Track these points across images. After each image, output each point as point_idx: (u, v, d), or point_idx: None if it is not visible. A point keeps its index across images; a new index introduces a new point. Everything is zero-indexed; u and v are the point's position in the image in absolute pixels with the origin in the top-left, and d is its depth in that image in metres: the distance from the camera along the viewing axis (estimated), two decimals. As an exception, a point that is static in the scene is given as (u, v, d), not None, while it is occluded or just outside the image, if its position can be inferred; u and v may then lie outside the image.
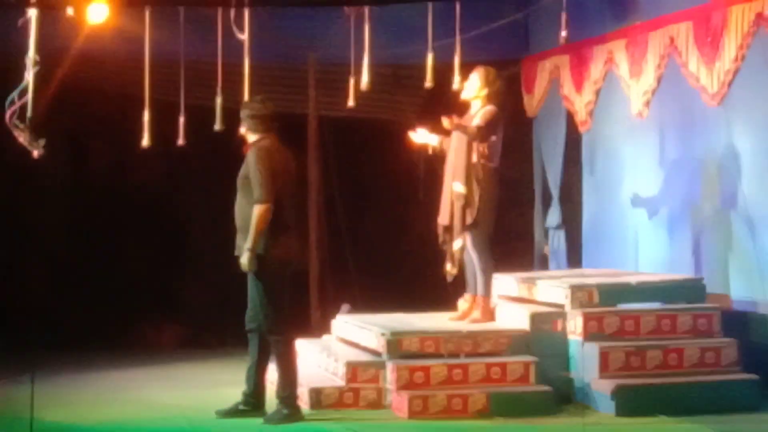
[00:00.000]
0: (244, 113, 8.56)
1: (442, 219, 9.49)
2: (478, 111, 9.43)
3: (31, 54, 7.95)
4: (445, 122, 9.18)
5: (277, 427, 8.17)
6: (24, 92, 7.96)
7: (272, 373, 8.72)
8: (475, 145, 9.27)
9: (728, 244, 9.50)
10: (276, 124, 8.54)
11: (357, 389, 8.78)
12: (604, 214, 11.41)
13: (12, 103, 7.91)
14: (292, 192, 8.55)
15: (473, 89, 9.49)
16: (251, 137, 8.50)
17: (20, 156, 8.14)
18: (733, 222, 9.45)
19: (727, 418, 8.23)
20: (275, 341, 8.39)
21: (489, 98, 9.45)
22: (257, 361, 8.53)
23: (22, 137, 8.00)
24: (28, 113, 7.98)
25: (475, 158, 9.29)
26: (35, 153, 8.02)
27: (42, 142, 7.99)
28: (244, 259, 8.26)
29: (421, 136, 9.66)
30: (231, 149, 9.31)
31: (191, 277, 12.83)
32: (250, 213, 8.28)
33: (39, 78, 8.01)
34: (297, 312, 12.26)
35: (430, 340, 8.93)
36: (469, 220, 9.29)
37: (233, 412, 8.48)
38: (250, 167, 8.35)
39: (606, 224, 11.37)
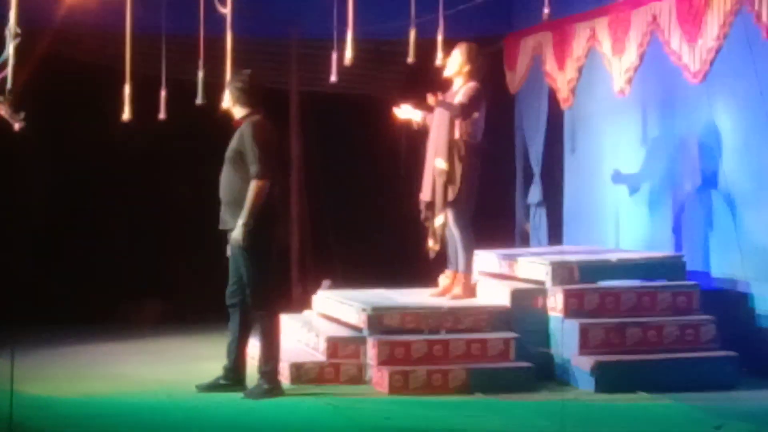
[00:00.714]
0: (232, 85, 8.54)
1: (424, 195, 9.50)
2: (461, 87, 9.43)
3: (12, 26, 7.86)
4: (430, 99, 9.18)
5: (258, 402, 8.18)
6: (4, 65, 7.88)
7: (253, 349, 8.73)
8: (457, 121, 9.27)
9: (708, 222, 9.54)
10: (263, 99, 8.54)
11: (338, 365, 8.80)
12: (586, 192, 11.43)
13: (-8, 75, 7.84)
14: (281, 169, 8.56)
15: (455, 65, 9.48)
16: (239, 111, 8.48)
17: (1, 129, 8.08)
18: (713, 200, 9.49)
19: (706, 395, 8.28)
20: (261, 316, 8.39)
21: (471, 75, 9.45)
22: (238, 336, 8.54)
23: (2, 110, 7.93)
24: (8, 86, 7.91)
25: (457, 135, 9.30)
26: (16, 126, 7.95)
27: (22, 114, 7.92)
28: (237, 234, 8.24)
29: (405, 112, 9.66)
30: (212, 123, 9.28)
31: (172, 252, 12.80)
32: (240, 187, 8.28)
33: (19, 50, 7.93)
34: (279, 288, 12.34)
35: (411, 315, 8.95)
36: (450, 196, 9.30)
37: (214, 387, 8.49)
38: (246, 142, 8.33)
39: (587, 201, 11.39)
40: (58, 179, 12.56)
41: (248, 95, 8.50)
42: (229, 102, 8.59)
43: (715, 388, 8.42)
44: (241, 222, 8.23)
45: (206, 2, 9.12)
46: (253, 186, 8.24)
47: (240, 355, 8.56)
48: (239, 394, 8.34)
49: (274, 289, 8.50)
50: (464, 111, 9.24)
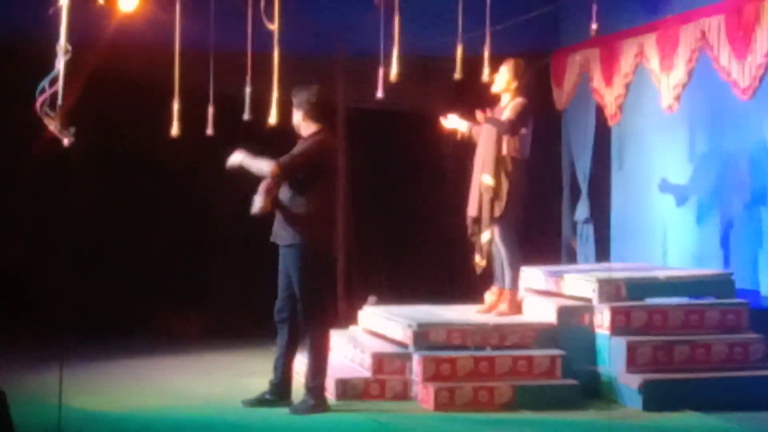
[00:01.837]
0: (300, 98, 8.55)
1: (471, 211, 9.49)
2: (508, 103, 9.42)
3: (62, 42, 7.94)
4: (479, 116, 9.19)
5: (303, 417, 8.19)
6: (54, 80, 7.94)
7: (299, 364, 8.73)
8: (505, 137, 9.26)
9: (757, 240, 9.45)
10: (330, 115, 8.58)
11: (383, 380, 8.79)
12: (633, 208, 11.37)
13: (43, 91, 7.90)
14: (336, 185, 8.60)
15: (503, 82, 9.48)
16: (307, 127, 8.50)
17: (50, 144, 8.15)
18: (762, 217, 9.41)
19: (755, 414, 8.21)
20: (312, 331, 8.39)
21: (518, 91, 9.45)
22: (285, 351, 8.55)
23: (52, 125, 7.99)
24: (59, 101, 7.98)
25: (504, 151, 9.29)
26: (65, 141, 8.01)
27: (72, 130, 7.99)
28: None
29: (451, 122, 9.68)
30: (260, 139, 9.32)
31: (218, 266, 12.85)
32: (295, 202, 8.30)
33: (70, 66, 8.00)
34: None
35: (457, 332, 8.93)
36: (497, 212, 9.29)
37: (260, 402, 8.50)
38: (299, 147, 8.35)
39: (634, 218, 11.33)
40: (106, 194, 12.65)
41: (319, 110, 8.53)
42: (297, 118, 8.56)
43: (764, 407, 8.33)
44: (240, 155, 8.31)
45: (254, 18, 9.16)
46: (273, 166, 8.25)
47: (286, 371, 8.57)
48: (285, 410, 8.35)
49: (326, 304, 8.52)
50: (512, 127, 9.24)
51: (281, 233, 8.43)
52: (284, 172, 8.35)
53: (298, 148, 8.45)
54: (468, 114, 9.43)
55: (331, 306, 8.64)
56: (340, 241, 12.49)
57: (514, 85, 9.45)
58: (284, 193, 8.43)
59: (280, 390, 8.53)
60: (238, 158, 8.56)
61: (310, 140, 8.45)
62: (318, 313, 8.38)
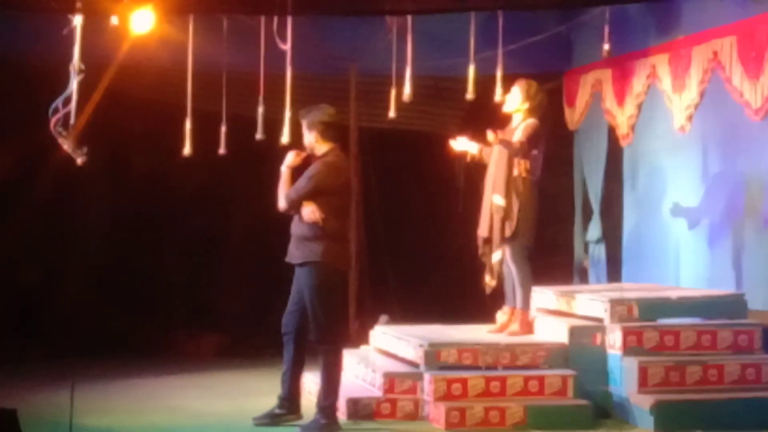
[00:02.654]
0: (311, 119, 8.53)
1: (482, 231, 9.48)
2: (520, 124, 9.43)
3: (76, 62, 7.99)
4: (490, 136, 9.20)
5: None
6: (68, 100, 8.00)
7: (310, 383, 8.73)
8: (516, 158, 9.27)
9: (770, 261, 9.42)
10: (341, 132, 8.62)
11: (394, 400, 8.78)
12: (645, 229, 11.34)
13: (56, 110, 7.96)
14: (350, 204, 8.62)
15: (515, 102, 9.49)
16: (321, 147, 8.51)
17: (63, 163, 8.19)
18: (775, 238, 9.38)
19: (767, 435, 8.18)
20: (325, 350, 8.39)
21: (530, 111, 9.46)
22: (292, 365, 8.56)
23: (65, 144, 8.04)
24: (72, 121, 8.02)
25: (515, 171, 9.30)
26: (78, 160, 8.06)
27: (85, 149, 8.03)
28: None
29: (461, 144, 9.68)
30: (272, 158, 9.33)
31: (229, 286, 12.86)
32: (306, 226, 8.34)
33: (83, 86, 8.05)
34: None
35: (468, 351, 8.92)
36: (508, 232, 9.28)
37: (270, 416, 8.51)
38: (310, 171, 8.40)
39: (647, 239, 11.30)
40: (118, 213, 12.68)
41: (332, 130, 8.56)
42: (310, 139, 8.55)
43: (776, 428, 8.30)
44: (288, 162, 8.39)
45: (267, 38, 9.20)
46: (282, 204, 8.39)
47: (294, 384, 8.57)
48: (296, 427, 8.34)
49: (341, 326, 8.51)
50: (524, 150, 9.25)
51: (295, 252, 8.45)
52: (291, 207, 8.42)
53: (308, 172, 8.45)
54: (479, 134, 9.43)
55: (345, 326, 8.62)
56: (352, 261, 12.51)
57: (526, 105, 9.46)
58: (306, 212, 8.44)
59: (289, 404, 8.53)
60: (288, 161, 8.57)
61: (320, 162, 8.46)
62: (331, 333, 8.38)
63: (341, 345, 8.59)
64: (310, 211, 8.34)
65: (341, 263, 8.49)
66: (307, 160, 8.54)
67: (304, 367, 8.66)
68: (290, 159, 8.54)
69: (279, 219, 8.71)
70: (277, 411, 8.54)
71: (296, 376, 8.59)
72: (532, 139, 9.30)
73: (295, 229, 8.50)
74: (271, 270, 8.72)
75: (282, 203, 8.48)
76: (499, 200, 9.30)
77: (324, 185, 8.39)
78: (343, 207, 8.57)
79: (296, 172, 8.52)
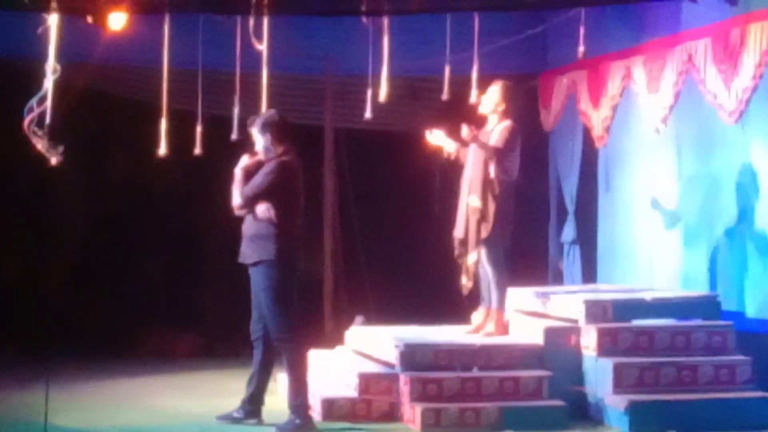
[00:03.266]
0: (263, 121, 8.57)
1: (458, 232, 9.50)
2: (495, 126, 9.45)
3: (51, 61, 7.96)
4: (464, 131, 9.20)
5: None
6: (43, 99, 7.96)
7: (283, 384, 8.72)
8: (491, 162, 9.29)
9: (743, 262, 9.47)
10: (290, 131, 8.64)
11: (369, 400, 8.78)
12: (620, 230, 11.39)
13: (31, 110, 7.93)
14: (304, 203, 8.62)
15: (491, 103, 9.51)
16: (274, 151, 8.52)
17: (38, 163, 8.16)
18: (748, 240, 9.43)
19: (741, 436, 8.22)
20: (288, 349, 8.40)
21: (506, 113, 9.48)
22: (258, 369, 8.57)
23: (40, 144, 8.01)
24: (47, 120, 7.99)
25: (492, 173, 9.31)
26: (53, 160, 8.03)
27: (60, 149, 8.00)
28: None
29: (437, 138, 9.65)
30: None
31: (206, 287, 12.83)
32: (261, 223, 8.35)
33: (58, 85, 8.02)
34: (310, 322, 12.33)
35: (444, 352, 8.93)
36: (484, 234, 9.30)
37: (229, 418, 8.55)
38: (264, 170, 8.43)
39: (621, 240, 11.35)
40: (93, 213, 12.64)
41: (281, 129, 8.56)
42: (265, 141, 8.55)
43: (750, 429, 8.34)
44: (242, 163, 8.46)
45: (243, 38, 9.19)
46: (237, 202, 8.47)
47: (258, 390, 8.57)
48: (270, 428, 8.34)
49: (298, 323, 8.50)
50: (499, 154, 9.26)
51: (247, 252, 8.49)
52: (246, 205, 8.48)
53: (264, 170, 8.49)
54: (455, 133, 9.44)
55: (304, 325, 8.58)
56: (326, 261, 12.50)
57: (502, 107, 9.48)
58: (260, 210, 8.46)
59: (249, 407, 8.54)
60: (242, 163, 8.63)
61: (276, 161, 8.49)
62: (291, 331, 8.38)
63: (302, 342, 8.56)
64: (264, 209, 8.40)
65: (295, 262, 8.48)
66: (260, 164, 8.57)
67: (272, 371, 8.65)
68: (244, 161, 8.63)
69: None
70: (235, 414, 8.56)
71: (262, 380, 8.59)
72: (508, 144, 9.32)
73: (248, 228, 8.52)
74: (244, 271, 8.69)
75: (237, 201, 8.53)
76: (475, 201, 9.32)
77: (279, 184, 8.43)
78: (296, 206, 8.57)
79: (248, 175, 8.57)
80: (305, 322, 8.67)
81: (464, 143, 9.47)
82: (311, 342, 9.39)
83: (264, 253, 8.37)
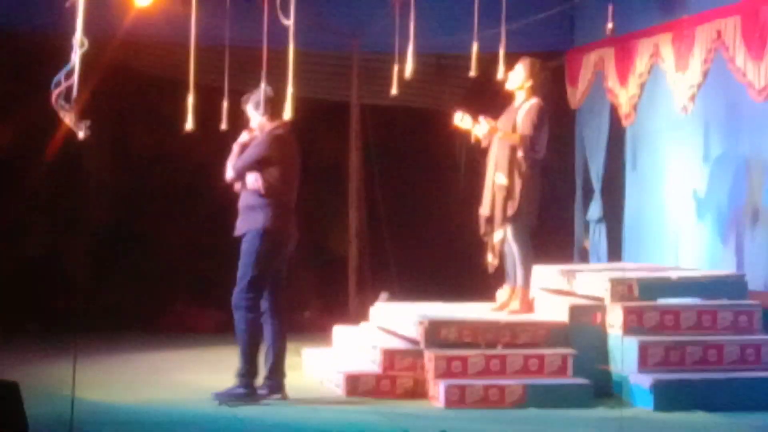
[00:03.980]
0: (256, 99, 8.70)
1: (484, 210, 9.48)
2: (523, 104, 9.40)
3: (78, 35, 7.94)
4: (483, 126, 9.20)
5: (313, 411, 8.20)
6: (70, 74, 7.94)
7: (312, 359, 8.74)
8: (525, 147, 9.25)
9: (771, 242, 9.43)
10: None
11: (394, 377, 8.80)
12: (646, 209, 11.35)
13: (58, 84, 7.92)
14: (298, 178, 8.74)
15: (518, 80, 9.47)
16: (269, 125, 8.66)
17: (65, 137, 8.18)
18: (776, 219, 9.39)
19: (766, 415, 8.18)
20: (239, 316, 8.51)
21: (533, 90, 9.44)
22: (272, 342, 8.60)
23: (67, 118, 8.01)
24: (74, 95, 8.00)
25: (520, 152, 9.27)
26: (80, 134, 8.03)
27: (87, 123, 8.00)
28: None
29: (465, 123, 9.58)
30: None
31: (229, 262, 12.84)
32: (252, 196, 8.52)
33: (85, 60, 8.02)
34: (335, 299, 12.36)
35: (468, 329, 8.93)
36: (510, 211, 9.28)
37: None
38: (254, 142, 8.62)
39: (647, 219, 11.31)
40: (120, 188, 12.68)
41: (279, 106, 8.59)
42: (261, 119, 8.71)
43: (775, 408, 8.32)
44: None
45: (270, 14, 9.17)
46: (229, 175, 8.62)
47: (276, 362, 8.58)
48: (298, 405, 8.36)
49: (259, 295, 8.52)
50: (531, 141, 9.23)
51: (239, 225, 8.67)
52: (237, 176, 8.66)
53: (254, 143, 8.67)
54: (482, 111, 9.41)
55: (259, 295, 8.58)
56: (351, 238, 12.51)
57: (529, 83, 9.44)
58: (250, 180, 8.59)
59: (269, 381, 8.56)
60: (241, 138, 8.82)
61: (266, 134, 8.65)
62: (247, 298, 8.47)
63: (255, 313, 8.54)
64: (253, 179, 8.55)
65: (281, 234, 8.57)
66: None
67: (285, 342, 8.67)
68: (243, 137, 8.81)
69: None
70: (260, 391, 8.55)
71: (278, 353, 8.60)
72: (537, 127, 9.27)
73: (242, 201, 8.69)
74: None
75: (229, 172, 8.70)
76: (501, 179, 9.29)
77: (268, 155, 8.56)
78: (288, 178, 8.65)
79: (244, 150, 8.75)
80: (273, 294, 8.63)
81: (492, 131, 9.38)
82: (334, 318, 9.38)
83: (252, 222, 8.55)
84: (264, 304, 8.60)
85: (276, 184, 8.57)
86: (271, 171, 8.59)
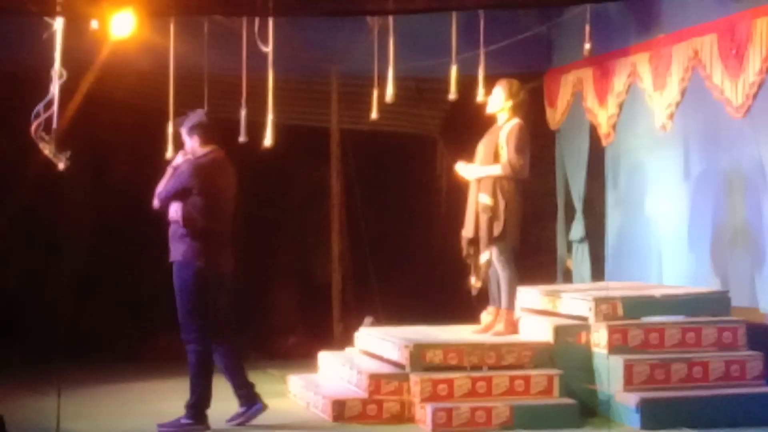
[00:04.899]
0: (190, 123, 8.61)
1: (467, 232, 9.48)
2: (504, 124, 9.43)
3: (57, 66, 7.96)
4: (461, 169, 9.24)
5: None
6: (49, 105, 7.96)
7: (296, 387, 8.70)
8: (502, 156, 9.28)
9: (754, 258, 9.45)
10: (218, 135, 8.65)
11: (380, 401, 8.77)
12: (628, 228, 11.37)
13: (37, 115, 7.93)
14: (230, 208, 8.62)
15: (498, 102, 9.51)
16: (200, 150, 8.57)
17: (45, 168, 8.16)
18: (758, 235, 9.41)
19: (752, 431, 8.19)
20: (190, 350, 8.45)
21: (514, 110, 9.48)
22: (225, 365, 8.57)
23: (47, 149, 8.01)
24: (54, 125, 7.99)
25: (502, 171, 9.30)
26: (60, 165, 8.03)
27: (67, 154, 8.00)
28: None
29: (469, 172, 9.57)
30: (255, 161, 9.31)
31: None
32: (175, 227, 8.46)
33: (64, 90, 8.02)
34: (319, 324, 12.33)
35: (454, 352, 8.92)
36: (496, 232, 9.29)
37: (234, 418, 8.56)
38: (176, 173, 8.50)
39: (630, 237, 11.33)
40: (101, 217, 12.63)
41: (213, 131, 8.58)
42: (193, 143, 8.60)
43: (761, 424, 8.32)
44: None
45: (248, 41, 9.18)
46: (155, 202, 8.52)
47: (236, 378, 8.59)
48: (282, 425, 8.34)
49: (204, 327, 8.45)
50: (517, 166, 9.26)
51: (171, 249, 8.51)
52: (161, 205, 8.55)
53: (177, 172, 8.57)
54: (463, 135, 9.43)
55: (206, 327, 8.49)
56: (334, 263, 12.50)
57: (509, 103, 9.47)
58: (171, 210, 8.51)
59: (240, 393, 8.56)
60: (175, 162, 8.68)
61: (189, 162, 8.52)
62: (192, 333, 8.40)
63: (203, 346, 8.46)
64: (173, 210, 8.46)
65: (207, 264, 8.41)
66: None
67: (239, 358, 8.68)
68: (178, 160, 8.65)
69: (259, 223, 8.68)
70: (239, 410, 8.58)
71: (234, 371, 8.57)
72: (520, 147, 9.32)
73: (170, 230, 8.58)
74: (253, 274, 8.69)
75: (154, 201, 8.59)
76: (486, 200, 9.31)
77: (190, 185, 8.43)
78: (213, 208, 8.48)
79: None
80: (219, 324, 8.56)
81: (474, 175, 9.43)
82: (319, 344, 9.34)
83: (175, 253, 8.46)
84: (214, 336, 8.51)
85: (197, 215, 8.40)
86: (193, 201, 8.42)
